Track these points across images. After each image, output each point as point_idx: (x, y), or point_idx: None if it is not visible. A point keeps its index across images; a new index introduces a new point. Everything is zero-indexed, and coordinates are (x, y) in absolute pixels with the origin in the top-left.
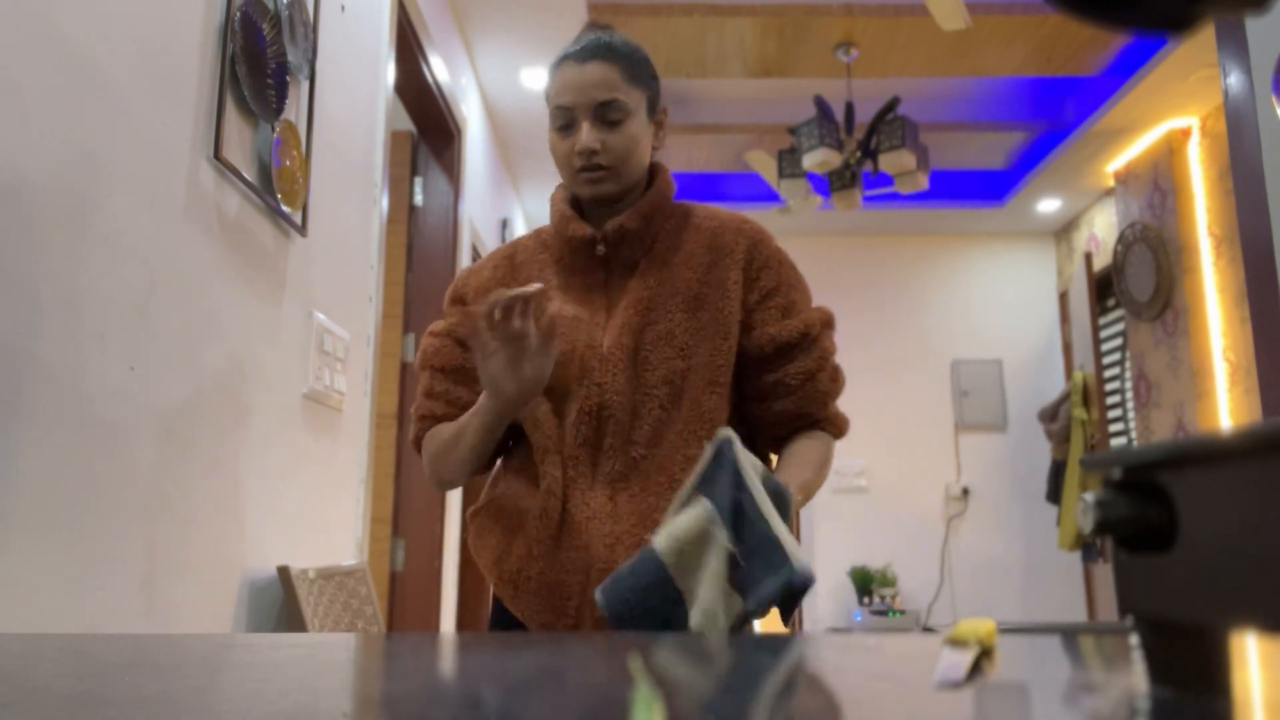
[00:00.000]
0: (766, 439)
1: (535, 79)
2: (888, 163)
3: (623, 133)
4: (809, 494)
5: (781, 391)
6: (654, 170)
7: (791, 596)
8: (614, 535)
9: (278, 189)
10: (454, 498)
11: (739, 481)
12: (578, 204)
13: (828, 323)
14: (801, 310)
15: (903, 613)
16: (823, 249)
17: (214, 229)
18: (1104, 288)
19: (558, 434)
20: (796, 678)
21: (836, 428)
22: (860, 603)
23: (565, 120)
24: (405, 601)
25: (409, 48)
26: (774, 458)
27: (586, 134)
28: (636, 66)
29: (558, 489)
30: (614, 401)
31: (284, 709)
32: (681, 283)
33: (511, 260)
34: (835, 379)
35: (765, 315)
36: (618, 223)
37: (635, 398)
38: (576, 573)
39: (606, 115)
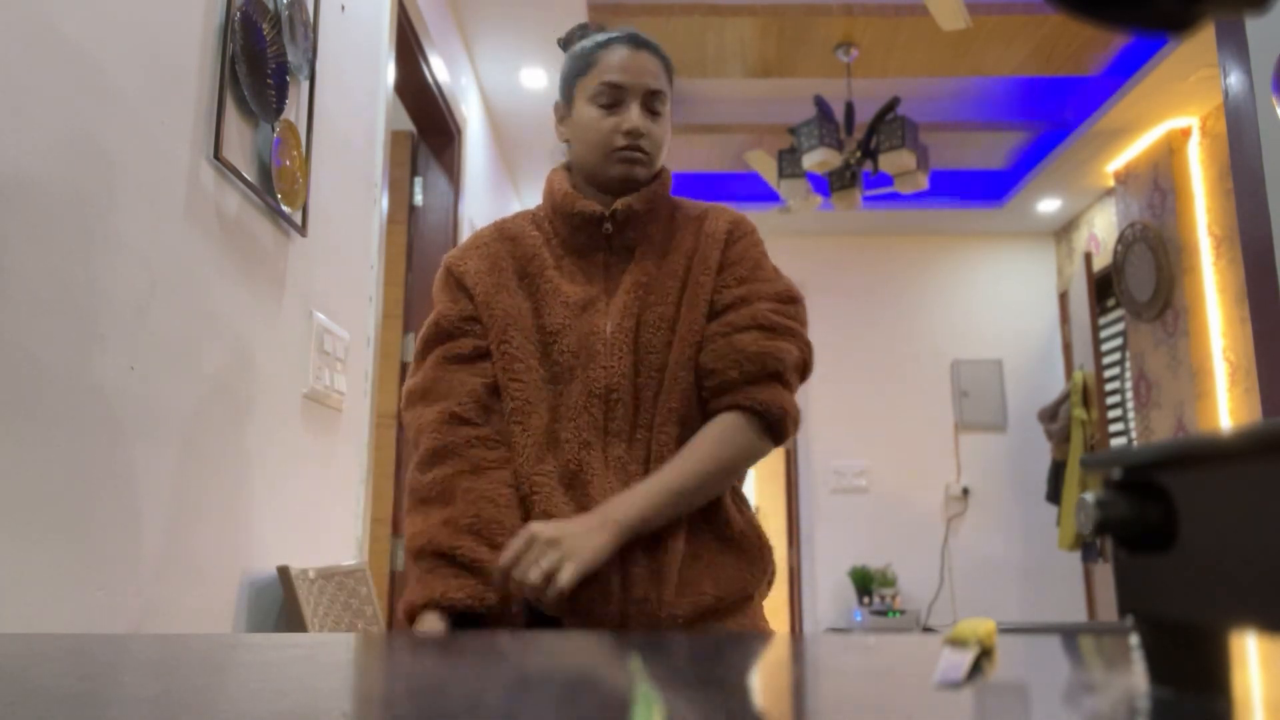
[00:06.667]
0: (706, 414)
1: (535, 79)
2: (888, 163)
3: (661, 124)
4: (680, 486)
5: (706, 347)
6: None
7: None
8: None
9: (278, 189)
10: None
11: None
12: (576, 188)
13: (782, 297)
14: (753, 283)
15: (903, 613)
16: (823, 249)
17: (214, 229)
18: (1104, 288)
19: (569, 420)
20: (797, 677)
21: (760, 404)
22: (860, 603)
23: (614, 99)
24: None
25: (409, 48)
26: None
27: (637, 115)
28: (669, 69)
29: (579, 479)
30: (620, 385)
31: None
32: (677, 267)
33: (503, 234)
34: (773, 345)
35: (720, 282)
36: (627, 202)
37: (637, 381)
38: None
39: (653, 104)
